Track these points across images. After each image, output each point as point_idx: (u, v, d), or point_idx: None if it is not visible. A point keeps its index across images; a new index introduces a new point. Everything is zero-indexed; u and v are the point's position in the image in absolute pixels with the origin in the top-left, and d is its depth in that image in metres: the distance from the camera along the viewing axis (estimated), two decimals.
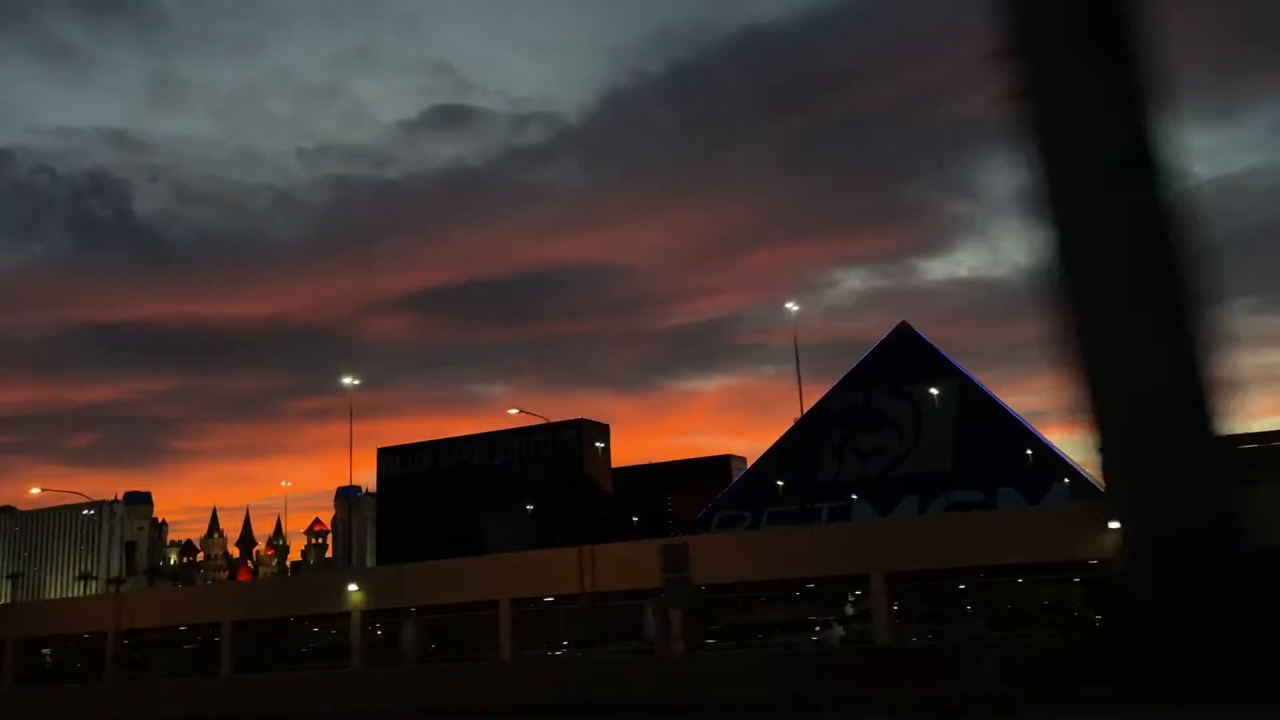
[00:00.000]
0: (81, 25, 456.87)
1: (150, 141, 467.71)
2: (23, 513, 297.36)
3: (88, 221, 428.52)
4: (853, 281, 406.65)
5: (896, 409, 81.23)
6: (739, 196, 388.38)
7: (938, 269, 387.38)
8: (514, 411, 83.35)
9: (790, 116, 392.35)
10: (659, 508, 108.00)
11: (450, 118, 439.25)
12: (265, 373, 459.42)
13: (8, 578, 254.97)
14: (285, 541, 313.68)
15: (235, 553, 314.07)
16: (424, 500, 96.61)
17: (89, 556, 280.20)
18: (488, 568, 58.96)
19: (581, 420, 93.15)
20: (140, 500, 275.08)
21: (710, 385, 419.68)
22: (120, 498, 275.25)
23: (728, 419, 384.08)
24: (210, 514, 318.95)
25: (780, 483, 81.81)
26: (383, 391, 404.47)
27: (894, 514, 71.80)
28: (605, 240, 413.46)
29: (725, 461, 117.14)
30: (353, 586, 58.92)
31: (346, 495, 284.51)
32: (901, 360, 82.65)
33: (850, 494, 77.92)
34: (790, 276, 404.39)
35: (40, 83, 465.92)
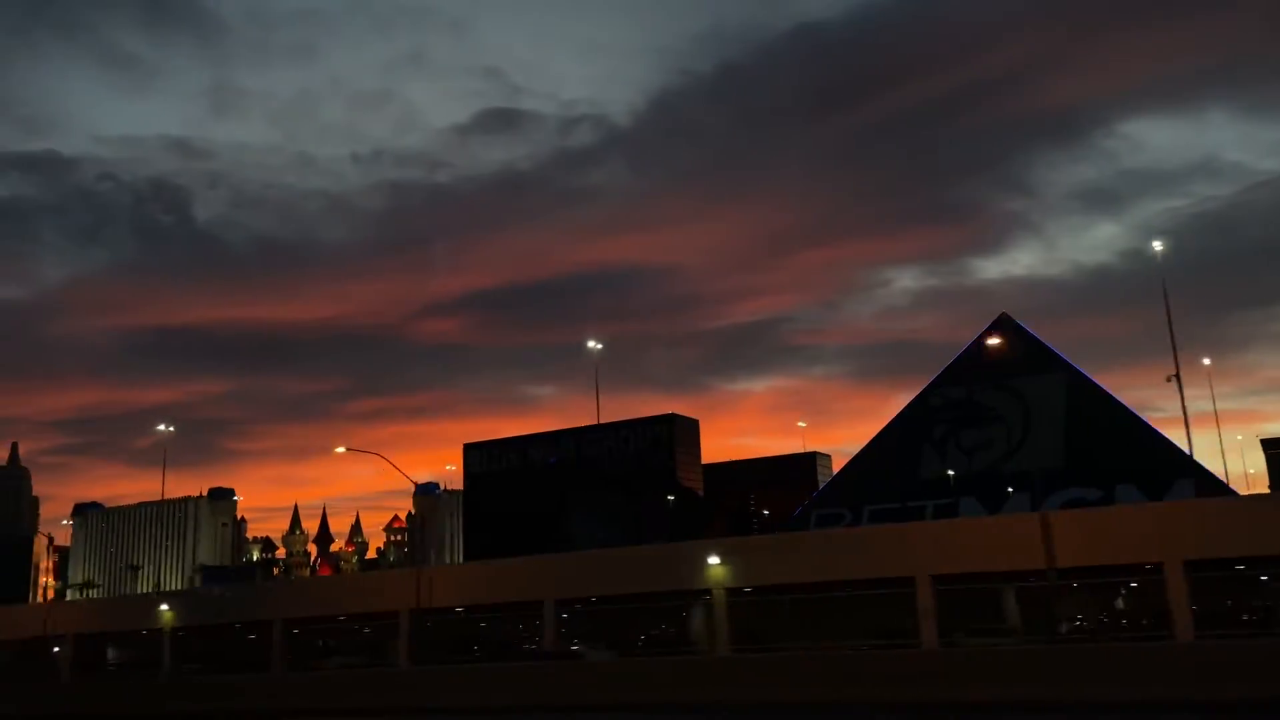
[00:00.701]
0: (143, 35, 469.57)
1: (210, 148, 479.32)
2: (110, 509, 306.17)
3: (150, 227, 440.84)
4: (905, 281, 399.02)
5: (1001, 403, 78.16)
6: (789, 196, 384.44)
7: (992, 267, 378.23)
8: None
9: (840, 115, 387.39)
10: (741, 504, 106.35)
11: (501, 121, 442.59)
12: (322, 375, 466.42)
13: (129, 569, 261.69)
14: (364, 538, 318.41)
15: (313, 549, 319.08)
16: (511, 496, 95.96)
17: (176, 551, 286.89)
18: (896, 537, 51.54)
19: (673, 415, 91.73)
20: (224, 496, 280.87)
21: (760, 386, 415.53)
22: (205, 493, 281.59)
23: (778, 419, 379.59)
24: (291, 511, 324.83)
25: (879, 479, 79.21)
26: (433, 393, 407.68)
27: (1004, 511, 68.93)
28: (655, 241, 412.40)
29: (811, 459, 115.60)
30: (713, 559, 51.06)
31: (425, 492, 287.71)
32: (1003, 352, 79.51)
33: (955, 491, 75.11)
34: (841, 276, 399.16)
35: (104, 92, 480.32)
